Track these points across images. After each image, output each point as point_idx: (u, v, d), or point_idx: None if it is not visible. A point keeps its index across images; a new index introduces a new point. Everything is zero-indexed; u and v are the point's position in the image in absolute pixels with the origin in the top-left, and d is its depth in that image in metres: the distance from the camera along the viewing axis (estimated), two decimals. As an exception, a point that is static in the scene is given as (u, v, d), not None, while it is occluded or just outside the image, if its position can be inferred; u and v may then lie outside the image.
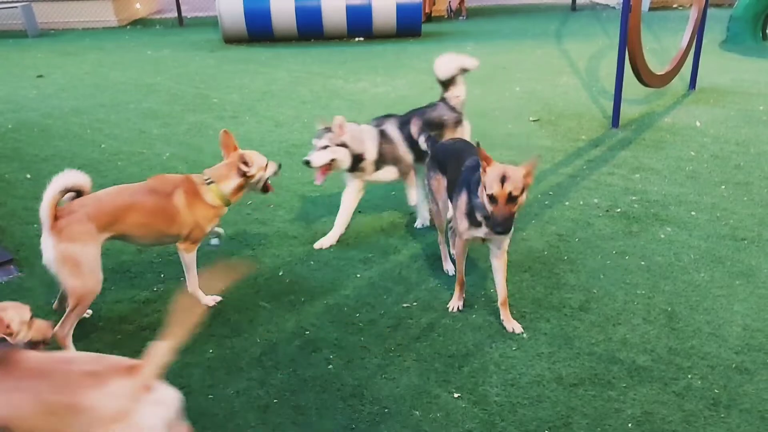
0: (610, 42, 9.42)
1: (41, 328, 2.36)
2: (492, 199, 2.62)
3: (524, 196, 2.65)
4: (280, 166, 3.40)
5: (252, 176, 3.20)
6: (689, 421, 2.41)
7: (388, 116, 3.98)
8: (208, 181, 3.11)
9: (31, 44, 10.89)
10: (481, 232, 2.86)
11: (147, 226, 2.94)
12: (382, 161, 3.77)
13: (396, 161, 3.82)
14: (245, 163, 3.13)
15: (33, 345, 2.32)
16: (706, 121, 5.85)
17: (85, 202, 2.79)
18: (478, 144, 2.77)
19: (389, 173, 3.83)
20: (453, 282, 3.29)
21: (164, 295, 3.33)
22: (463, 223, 2.91)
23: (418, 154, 3.78)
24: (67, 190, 2.76)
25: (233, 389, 2.64)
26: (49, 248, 2.68)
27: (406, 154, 3.82)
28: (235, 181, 3.16)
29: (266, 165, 3.29)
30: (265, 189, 3.37)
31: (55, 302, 3.01)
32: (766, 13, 8.88)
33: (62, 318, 2.74)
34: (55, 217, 2.68)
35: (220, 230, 3.43)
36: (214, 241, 3.52)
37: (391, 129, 3.83)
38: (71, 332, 2.77)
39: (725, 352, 2.78)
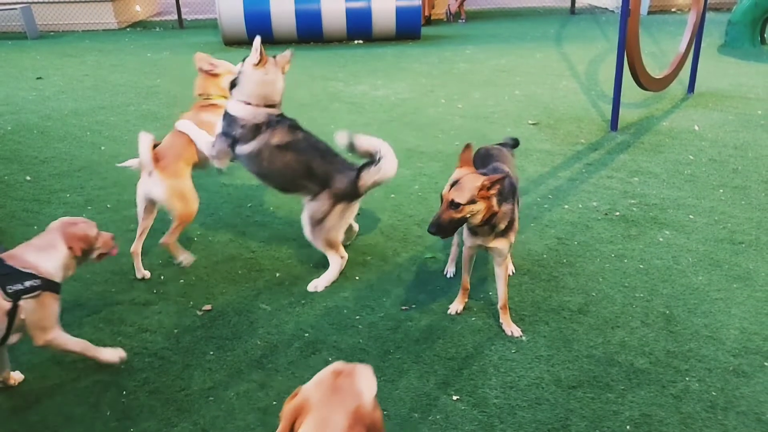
0: (609, 46, 9.45)
1: (107, 241, 2.79)
2: (441, 199, 2.69)
3: (477, 206, 2.63)
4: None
5: None
6: (687, 423, 2.43)
7: None
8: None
9: (31, 46, 10.90)
10: (479, 240, 2.88)
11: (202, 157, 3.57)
12: None
13: None
14: None
15: (100, 256, 2.77)
16: (704, 125, 5.87)
17: (167, 148, 3.47)
18: (468, 146, 2.79)
19: None
20: (453, 285, 3.31)
21: (164, 297, 3.34)
22: (465, 231, 2.94)
23: None
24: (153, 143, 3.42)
25: (233, 391, 2.65)
26: (158, 185, 3.34)
27: None
28: None
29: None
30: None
31: None
32: (764, 18, 8.91)
33: (169, 231, 3.46)
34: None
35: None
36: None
37: None
38: (177, 240, 3.50)
39: (723, 355, 2.80)
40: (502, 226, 2.81)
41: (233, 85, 3.41)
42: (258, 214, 4.28)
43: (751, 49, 8.93)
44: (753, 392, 2.58)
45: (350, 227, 3.63)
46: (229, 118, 3.37)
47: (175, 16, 12.84)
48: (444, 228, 2.68)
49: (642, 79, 5.95)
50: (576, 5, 13.46)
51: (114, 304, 3.27)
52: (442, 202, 2.69)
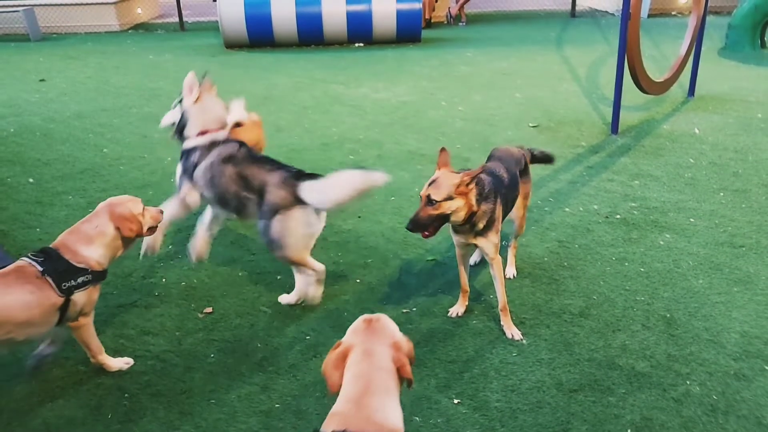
0: (610, 49, 9.46)
1: (155, 215, 2.85)
2: (420, 198, 2.74)
3: (455, 203, 2.70)
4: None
5: None
6: (687, 427, 2.43)
7: None
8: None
9: (34, 48, 10.93)
10: (462, 238, 2.95)
11: None
12: None
13: None
14: None
15: (150, 230, 2.83)
16: (704, 129, 5.88)
17: None
18: (443, 150, 2.87)
19: None
20: (453, 288, 3.31)
21: (166, 299, 3.34)
22: (450, 230, 2.99)
23: None
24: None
25: (235, 394, 2.66)
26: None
27: None
28: None
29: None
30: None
31: None
32: (764, 21, 8.92)
33: None
34: None
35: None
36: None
37: None
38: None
39: (723, 358, 2.80)
40: (481, 225, 2.85)
41: (182, 126, 3.40)
42: (259, 217, 4.29)
43: (752, 52, 8.95)
44: (754, 396, 2.58)
45: (321, 272, 3.27)
46: (186, 154, 3.38)
47: (177, 19, 12.87)
48: (420, 224, 2.75)
49: (642, 83, 5.96)
50: (576, 8, 13.49)
51: (116, 306, 3.28)
52: (420, 201, 2.76)
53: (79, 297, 2.54)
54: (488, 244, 2.91)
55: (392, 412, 1.65)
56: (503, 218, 3.08)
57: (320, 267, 3.21)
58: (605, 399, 2.58)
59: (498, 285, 3.00)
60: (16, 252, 3.81)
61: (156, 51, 10.44)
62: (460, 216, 2.75)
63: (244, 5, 9.90)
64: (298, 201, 3.04)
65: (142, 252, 3.42)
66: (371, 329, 1.79)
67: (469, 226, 2.85)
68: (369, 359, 1.69)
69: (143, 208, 2.79)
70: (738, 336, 2.95)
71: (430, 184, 2.72)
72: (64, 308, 2.50)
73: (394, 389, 1.69)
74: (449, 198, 2.68)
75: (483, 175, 2.88)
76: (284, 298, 3.31)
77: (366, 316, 1.85)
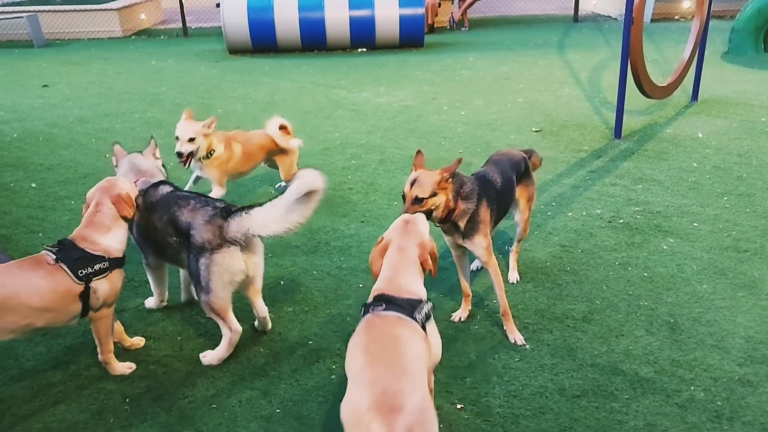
0: (612, 53, 9.46)
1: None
2: (403, 198, 2.78)
3: (438, 198, 2.75)
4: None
5: None
6: (692, 433, 2.41)
7: None
8: None
9: (37, 54, 10.97)
10: (451, 238, 3.00)
11: None
12: None
13: None
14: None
15: None
16: (708, 133, 5.87)
17: None
18: (418, 152, 2.92)
19: None
20: (456, 293, 3.30)
21: (168, 304, 3.34)
22: (441, 231, 3.02)
23: None
24: None
25: (236, 399, 2.64)
26: None
27: None
28: None
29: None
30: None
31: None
32: (767, 25, 8.92)
33: None
34: None
35: None
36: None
37: None
38: None
39: (728, 364, 2.78)
40: (462, 224, 2.87)
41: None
42: (261, 222, 4.29)
43: (755, 56, 8.93)
44: (759, 402, 2.56)
45: (263, 318, 3.06)
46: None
47: (180, 25, 12.92)
48: None
49: (645, 87, 5.95)
50: (579, 13, 13.50)
51: (118, 311, 3.27)
52: (404, 200, 2.78)
53: (101, 285, 2.59)
54: (475, 246, 2.93)
55: (417, 286, 2.20)
56: (496, 223, 3.08)
57: (237, 327, 2.86)
58: (608, 405, 2.56)
59: (497, 289, 2.99)
60: (19, 257, 3.81)
61: (159, 56, 10.47)
62: (440, 212, 2.81)
63: (248, 11, 9.93)
64: (226, 242, 2.71)
65: None
66: (406, 230, 2.31)
67: (452, 225, 2.89)
68: (401, 253, 2.24)
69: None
70: (743, 341, 2.93)
71: (412, 184, 2.77)
72: (86, 297, 2.55)
73: (418, 275, 2.24)
74: (434, 194, 2.75)
75: (465, 177, 2.95)
76: (210, 356, 2.89)
77: (405, 216, 2.39)
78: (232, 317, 2.85)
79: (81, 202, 4.68)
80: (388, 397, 1.70)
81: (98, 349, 2.76)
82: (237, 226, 2.71)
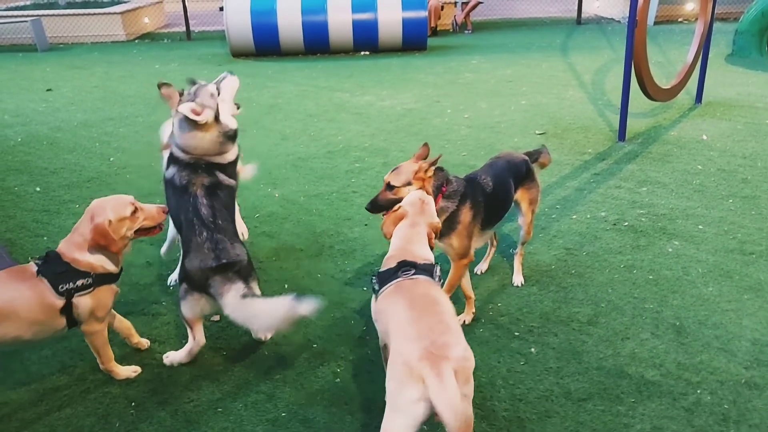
0: (616, 56, 9.45)
1: (152, 214, 2.69)
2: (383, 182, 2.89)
3: (411, 188, 2.78)
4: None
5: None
6: (699, 436, 2.40)
7: None
8: None
9: (41, 58, 11.01)
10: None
11: None
12: None
13: None
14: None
15: (146, 231, 2.70)
16: (712, 135, 5.85)
17: None
18: (425, 144, 2.97)
19: None
20: (460, 295, 3.29)
21: (172, 307, 3.34)
22: None
23: None
24: None
25: (241, 403, 2.64)
26: None
27: None
28: None
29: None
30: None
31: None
32: (771, 27, 8.90)
33: None
34: None
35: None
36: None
37: None
38: None
39: (734, 367, 2.77)
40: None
41: None
42: (266, 225, 4.29)
43: (759, 58, 8.91)
44: (766, 405, 2.55)
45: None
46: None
47: (183, 28, 12.95)
48: (378, 206, 2.89)
49: (649, 89, 5.94)
50: (582, 15, 13.49)
51: (122, 314, 3.27)
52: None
53: (83, 300, 2.52)
54: (447, 247, 2.97)
55: (426, 251, 2.45)
56: (485, 227, 3.07)
57: (201, 340, 2.84)
58: (614, 408, 2.55)
59: (448, 280, 3.03)
60: (23, 260, 3.82)
61: (162, 60, 10.50)
62: None
63: (251, 14, 9.95)
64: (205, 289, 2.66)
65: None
66: (421, 209, 2.56)
67: None
68: (413, 228, 2.50)
69: (135, 209, 2.61)
70: (749, 344, 2.92)
71: (392, 171, 2.85)
72: (68, 312, 2.50)
73: (426, 246, 2.49)
74: (408, 183, 2.80)
75: (454, 177, 2.98)
76: (173, 357, 2.90)
77: (421, 195, 2.62)
78: (200, 328, 2.84)
79: (85, 206, 4.68)
80: (437, 348, 1.92)
81: (98, 360, 2.74)
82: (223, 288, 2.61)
